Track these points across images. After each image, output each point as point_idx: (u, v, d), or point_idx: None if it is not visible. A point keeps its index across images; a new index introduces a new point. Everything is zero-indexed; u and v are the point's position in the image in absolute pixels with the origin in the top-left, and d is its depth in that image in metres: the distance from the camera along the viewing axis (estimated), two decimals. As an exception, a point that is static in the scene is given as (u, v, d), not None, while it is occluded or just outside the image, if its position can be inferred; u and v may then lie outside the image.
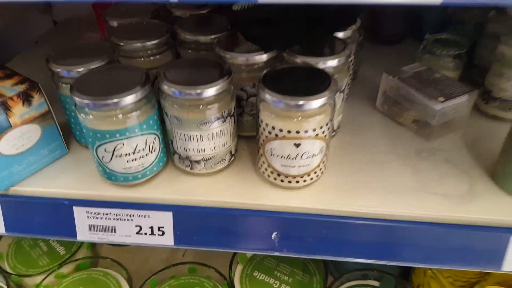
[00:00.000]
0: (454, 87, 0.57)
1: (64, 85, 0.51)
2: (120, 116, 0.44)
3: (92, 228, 0.51)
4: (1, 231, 0.52)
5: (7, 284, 0.71)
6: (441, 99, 0.55)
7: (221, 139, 0.49)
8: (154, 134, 0.48)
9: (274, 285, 0.71)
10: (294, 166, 0.47)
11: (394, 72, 0.61)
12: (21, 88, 0.48)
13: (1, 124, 0.47)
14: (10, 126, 0.48)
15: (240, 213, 0.49)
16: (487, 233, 0.46)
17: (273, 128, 0.45)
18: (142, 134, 0.46)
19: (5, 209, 0.51)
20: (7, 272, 0.73)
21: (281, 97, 0.42)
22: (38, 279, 0.71)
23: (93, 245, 0.80)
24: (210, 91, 0.44)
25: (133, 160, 0.47)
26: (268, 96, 0.43)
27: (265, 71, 0.47)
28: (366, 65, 0.74)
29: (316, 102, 0.42)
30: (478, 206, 0.47)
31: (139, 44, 0.54)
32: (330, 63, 0.49)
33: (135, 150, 0.47)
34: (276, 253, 0.50)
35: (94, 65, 0.49)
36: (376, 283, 0.70)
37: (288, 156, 0.46)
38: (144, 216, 0.50)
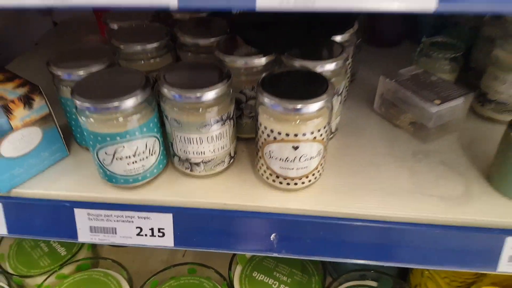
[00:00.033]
0: (450, 89, 0.58)
1: (64, 87, 0.51)
2: (121, 119, 0.45)
3: (93, 229, 0.51)
4: (4, 233, 0.53)
5: (9, 285, 0.71)
6: (437, 101, 0.55)
7: (220, 141, 0.49)
8: (154, 136, 0.49)
9: (273, 285, 0.72)
10: (293, 168, 0.47)
11: (391, 75, 0.61)
12: (22, 91, 0.49)
13: (2, 127, 0.47)
14: (11, 129, 0.48)
15: (239, 215, 0.49)
16: (482, 234, 0.47)
17: (272, 131, 0.45)
18: (142, 137, 0.47)
19: (7, 211, 0.51)
20: (8, 273, 0.73)
21: (279, 100, 0.43)
22: (39, 279, 0.72)
23: (93, 246, 0.81)
24: (210, 95, 0.45)
25: (133, 163, 0.48)
26: (266, 99, 0.44)
27: (263, 75, 0.48)
28: (364, 68, 0.74)
29: (313, 106, 0.43)
30: (474, 208, 0.48)
31: (139, 47, 0.55)
32: (328, 67, 0.50)
33: (135, 152, 0.47)
34: (275, 254, 0.51)
35: (94, 68, 0.50)
36: (374, 284, 0.71)
37: (286, 158, 0.46)
38: (144, 218, 0.50)
